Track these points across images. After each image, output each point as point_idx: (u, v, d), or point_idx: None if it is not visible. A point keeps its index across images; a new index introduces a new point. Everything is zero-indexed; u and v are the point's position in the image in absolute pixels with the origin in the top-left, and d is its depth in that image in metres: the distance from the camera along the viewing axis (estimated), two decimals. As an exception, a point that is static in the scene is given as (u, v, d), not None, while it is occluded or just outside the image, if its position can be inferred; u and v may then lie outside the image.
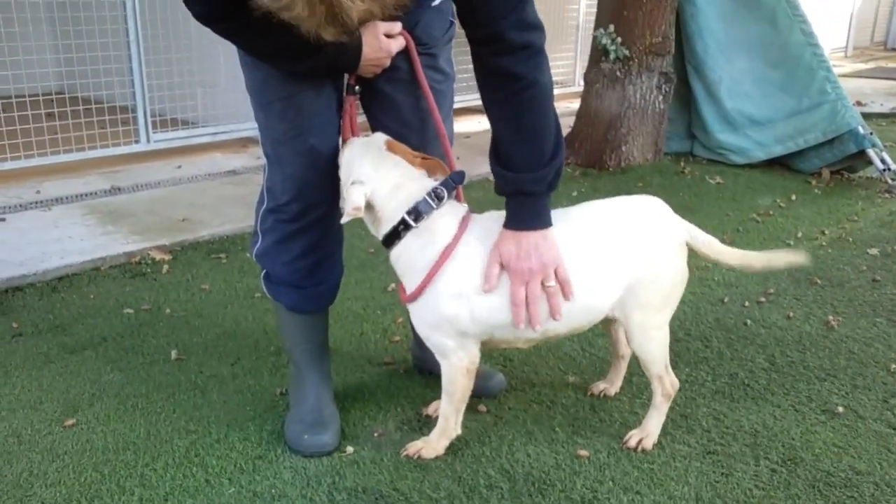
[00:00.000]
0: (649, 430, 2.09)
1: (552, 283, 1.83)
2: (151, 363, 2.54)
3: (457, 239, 1.86)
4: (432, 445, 2.04)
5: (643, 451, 2.05)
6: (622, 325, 2.02)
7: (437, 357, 1.97)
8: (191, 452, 2.06)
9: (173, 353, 2.59)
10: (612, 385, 2.36)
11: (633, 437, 2.08)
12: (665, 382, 2.06)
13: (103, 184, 4.50)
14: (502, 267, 1.84)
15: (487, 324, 1.89)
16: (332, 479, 1.95)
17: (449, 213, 1.90)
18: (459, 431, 2.05)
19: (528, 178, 1.82)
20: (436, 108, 2.02)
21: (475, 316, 1.87)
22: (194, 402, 2.31)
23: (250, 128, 5.49)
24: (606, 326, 2.27)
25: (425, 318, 1.92)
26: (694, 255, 2.04)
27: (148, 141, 4.96)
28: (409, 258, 1.89)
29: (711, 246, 2.05)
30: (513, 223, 1.85)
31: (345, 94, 2.02)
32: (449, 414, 2.01)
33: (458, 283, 1.85)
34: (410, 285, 1.91)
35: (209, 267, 3.38)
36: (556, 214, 1.92)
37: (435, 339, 1.93)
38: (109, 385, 2.41)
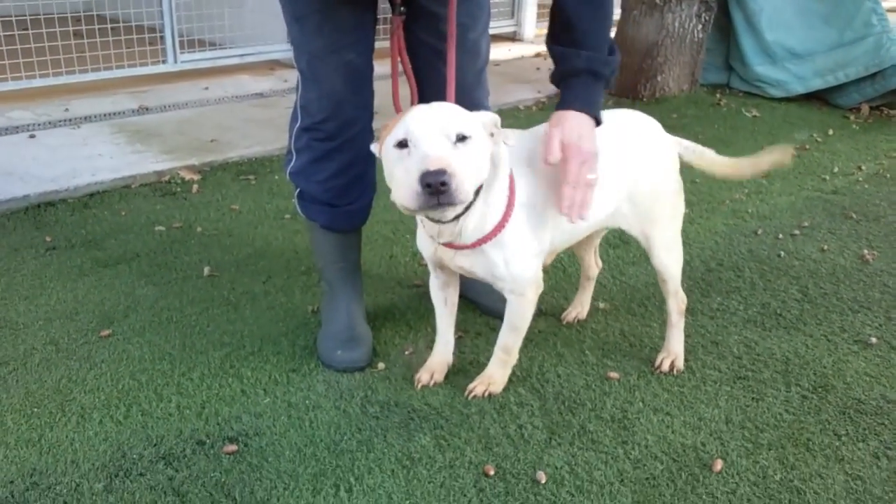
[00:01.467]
0: (676, 351, 2.10)
1: (594, 175, 1.76)
2: (184, 279, 2.57)
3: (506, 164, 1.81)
4: (499, 380, 2.00)
5: (678, 372, 2.06)
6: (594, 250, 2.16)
7: (512, 296, 1.88)
8: (226, 364, 2.09)
9: (206, 270, 2.61)
10: (583, 308, 2.37)
11: (664, 361, 2.09)
12: (679, 298, 2.10)
13: (131, 103, 4.48)
14: None
15: (558, 229, 1.85)
16: (365, 392, 1.97)
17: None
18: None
19: (601, 58, 1.76)
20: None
21: (548, 222, 1.83)
22: (228, 317, 2.34)
23: (278, 50, 5.42)
24: (577, 248, 2.26)
25: (512, 250, 1.81)
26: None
27: (175, 61, 4.91)
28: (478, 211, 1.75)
29: (703, 156, 2.11)
30: (578, 104, 1.76)
31: (392, 14, 1.96)
32: (514, 347, 1.97)
33: (527, 195, 1.80)
34: (487, 226, 1.78)
35: (238, 188, 3.38)
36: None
37: (517, 272, 1.83)
38: (143, 299, 2.44)
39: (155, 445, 1.78)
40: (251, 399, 1.94)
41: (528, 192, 1.80)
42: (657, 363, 2.10)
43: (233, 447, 1.76)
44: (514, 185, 1.78)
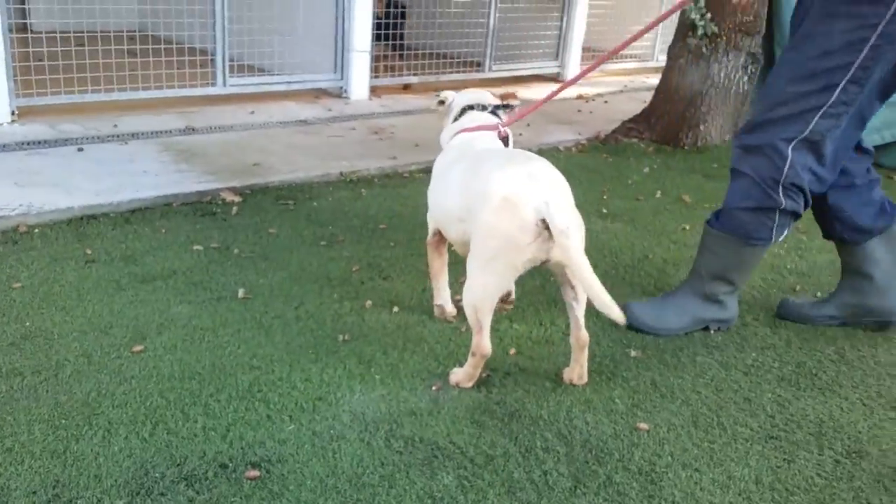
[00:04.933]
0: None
1: None
2: (219, 299, 2.59)
3: None
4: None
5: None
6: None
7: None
8: (254, 387, 2.10)
9: (240, 292, 2.64)
10: (581, 369, 2.21)
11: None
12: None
13: (178, 123, 4.58)
14: None
15: None
16: (390, 425, 1.96)
17: None
18: None
19: None
20: None
21: None
22: (258, 341, 2.35)
23: (324, 79, 5.52)
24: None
25: None
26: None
27: (224, 84, 5.02)
28: None
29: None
30: None
31: None
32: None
33: None
34: None
35: (277, 212, 3.42)
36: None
37: None
38: (177, 316, 2.46)
39: (178, 465, 1.78)
40: (276, 425, 1.94)
41: None
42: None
43: (255, 472, 1.76)
44: None
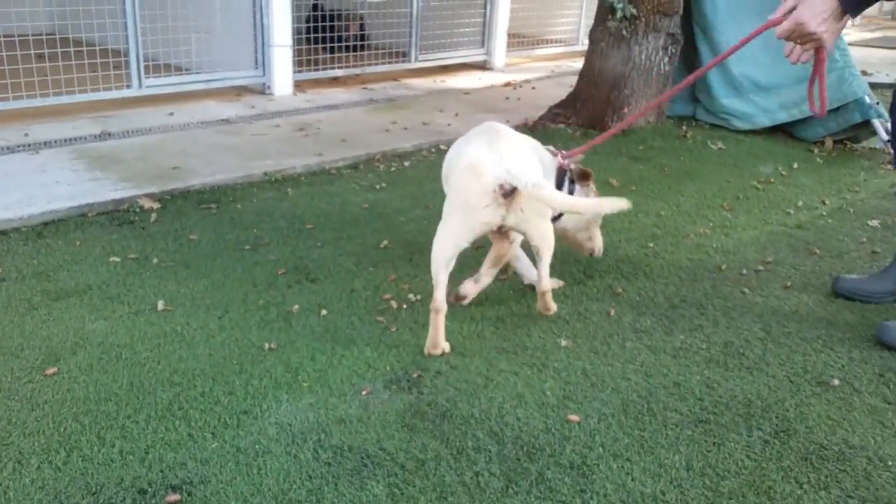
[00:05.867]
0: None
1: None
2: (137, 313, 2.49)
3: None
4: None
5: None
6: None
7: None
8: (174, 405, 2.02)
9: (160, 304, 2.54)
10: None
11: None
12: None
13: (93, 128, 4.40)
14: None
15: None
16: (318, 436, 1.91)
17: None
18: None
19: None
20: None
21: None
22: (179, 355, 2.26)
23: (245, 76, 5.38)
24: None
25: None
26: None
27: (140, 86, 4.85)
28: None
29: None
30: None
31: None
32: None
33: None
34: None
35: (199, 217, 3.31)
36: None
37: None
38: (93, 334, 2.36)
39: (94, 494, 1.70)
40: (198, 444, 1.87)
41: None
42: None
43: (175, 497, 1.69)
44: None
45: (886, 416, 2.08)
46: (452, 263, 2.29)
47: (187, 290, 2.66)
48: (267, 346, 2.32)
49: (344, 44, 6.24)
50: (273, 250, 3.00)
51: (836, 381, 2.22)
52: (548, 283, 2.48)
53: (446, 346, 2.33)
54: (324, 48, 6.06)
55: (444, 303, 2.29)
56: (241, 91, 5.47)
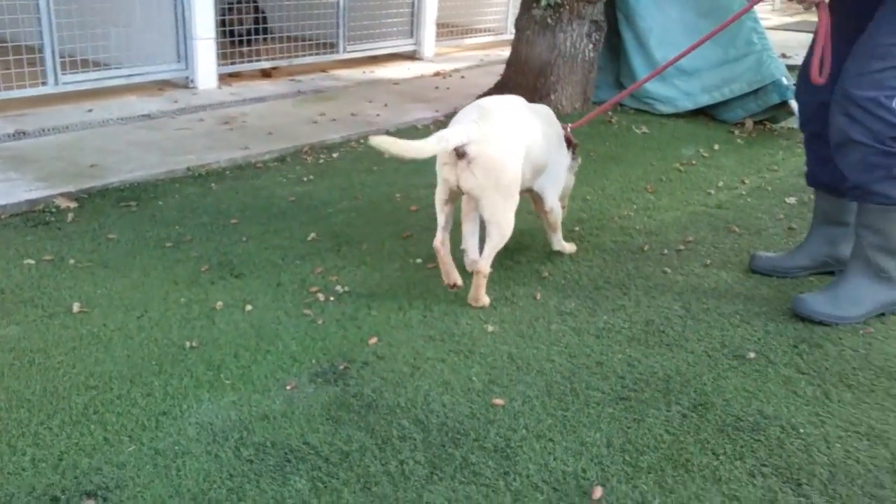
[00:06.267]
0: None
1: None
2: (51, 316, 2.41)
3: None
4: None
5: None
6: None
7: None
8: (89, 409, 1.96)
9: (76, 306, 2.46)
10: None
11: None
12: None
13: (7, 128, 4.23)
14: None
15: None
16: (240, 433, 1.88)
17: None
18: None
19: None
20: None
21: None
22: (96, 357, 2.20)
23: (167, 70, 5.25)
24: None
25: None
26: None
27: (56, 83, 4.68)
28: None
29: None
30: None
31: None
32: None
33: None
34: None
35: (118, 215, 3.22)
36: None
37: None
38: (5, 339, 2.27)
39: (4, 504, 1.64)
40: (114, 448, 1.82)
41: None
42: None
43: (90, 503, 1.64)
44: None
45: (799, 385, 2.15)
46: (448, 210, 2.53)
47: (105, 291, 2.58)
48: (188, 344, 2.27)
49: (237, 38, 5.97)
50: (196, 247, 2.94)
51: (753, 354, 2.29)
52: (484, 264, 2.52)
53: (458, 279, 2.57)
54: (231, 41, 5.93)
55: (436, 241, 2.53)
56: (163, 85, 5.33)
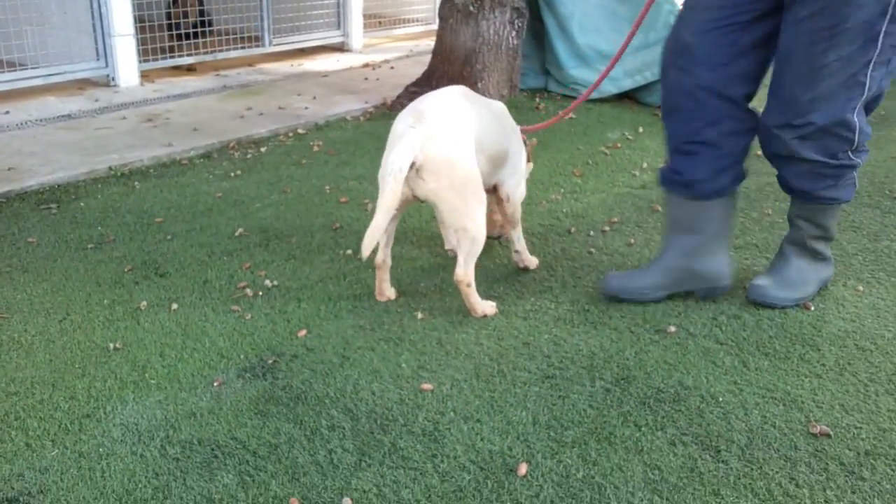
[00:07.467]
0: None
1: None
2: (-33, 324, 2.35)
3: None
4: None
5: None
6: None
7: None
8: (10, 416, 1.92)
9: (-7, 313, 2.40)
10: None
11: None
12: None
13: (-84, 133, 4.08)
14: None
15: None
16: (166, 432, 1.87)
17: None
18: None
19: None
20: None
21: None
22: (17, 363, 2.15)
23: (86, 68, 5.12)
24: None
25: None
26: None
27: (-33, 84, 4.52)
28: None
29: None
30: None
31: None
32: None
33: None
34: None
35: (38, 218, 3.14)
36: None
37: None
38: (-82, 351, 2.20)
39: (-81, 518, 1.60)
40: (37, 453, 1.79)
41: None
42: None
43: (11, 510, 1.61)
44: None
45: (718, 356, 2.23)
46: (392, 227, 2.45)
47: (24, 296, 2.52)
48: (112, 346, 2.24)
49: (183, 31, 5.95)
50: (119, 247, 2.89)
51: (673, 328, 2.36)
52: (463, 274, 2.34)
53: (391, 294, 2.54)
54: (169, 35, 5.83)
55: (383, 261, 2.47)
56: (83, 84, 5.20)
